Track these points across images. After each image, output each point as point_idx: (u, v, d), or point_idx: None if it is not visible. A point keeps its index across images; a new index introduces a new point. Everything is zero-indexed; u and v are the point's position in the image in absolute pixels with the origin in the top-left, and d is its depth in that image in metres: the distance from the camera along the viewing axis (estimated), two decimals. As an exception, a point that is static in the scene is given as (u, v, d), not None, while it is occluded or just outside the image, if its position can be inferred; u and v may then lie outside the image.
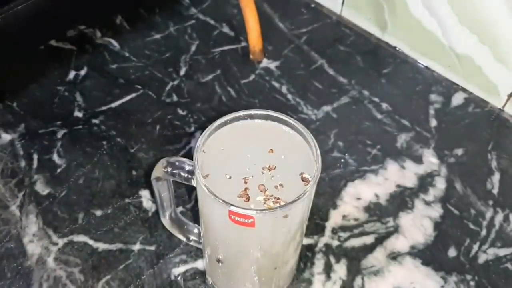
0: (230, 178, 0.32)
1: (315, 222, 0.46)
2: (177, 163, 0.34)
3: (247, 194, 0.31)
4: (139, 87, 0.56)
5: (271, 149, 0.33)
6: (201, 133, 0.33)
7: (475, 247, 0.44)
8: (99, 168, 0.49)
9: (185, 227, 0.41)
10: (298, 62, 0.59)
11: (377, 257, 0.44)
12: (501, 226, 0.46)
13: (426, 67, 0.58)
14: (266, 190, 0.31)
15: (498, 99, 0.54)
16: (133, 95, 0.55)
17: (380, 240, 0.45)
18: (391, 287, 0.42)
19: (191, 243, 0.42)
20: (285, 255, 0.36)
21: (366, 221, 0.46)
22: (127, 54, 0.59)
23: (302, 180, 0.32)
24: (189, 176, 0.33)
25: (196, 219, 0.45)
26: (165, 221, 0.40)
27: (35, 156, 0.49)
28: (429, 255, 0.44)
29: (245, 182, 0.32)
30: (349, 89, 0.56)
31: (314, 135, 0.33)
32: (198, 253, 0.43)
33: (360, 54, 0.60)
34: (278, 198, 0.31)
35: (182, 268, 0.43)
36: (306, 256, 0.44)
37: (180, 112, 0.54)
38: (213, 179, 0.32)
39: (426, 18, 0.55)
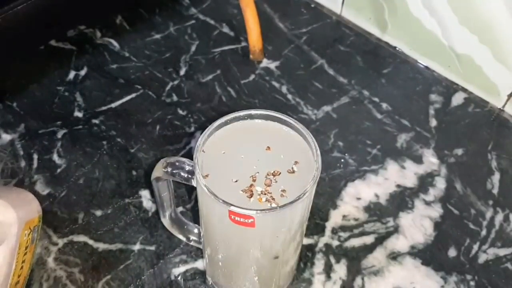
0: (229, 178, 0.32)
1: (315, 222, 0.46)
2: (177, 163, 0.34)
3: (251, 191, 0.31)
4: (139, 87, 0.56)
5: (272, 150, 0.33)
6: (201, 133, 0.33)
7: (475, 247, 0.44)
8: (99, 168, 0.49)
9: (185, 227, 0.41)
10: (298, 62, 0.59)
11: (377, 257, 0.44)
12: (501, 226, 0.46)
13: (426, 67, 0.58)
14: (269, 185, 0.32)
15: (498, 99, 0.54)
16: (133, 95, 0.55)
17: (380, 240, 0.45)
18: (391, 287, 0.42)
19: (191, 243, 0.42)
20: (285, 255, 0.36)
21: (366, 221, 0.46)
22: (127, 54, 0.59)
23: (290, 171, 0.32)
24: (189, 176, 0.33)
25: (196, 219, 0.45)
26: (165, 221, 0.40)
27: (35, 156, 0.49)
28: (429, 255, 0.44)
29: (253, 180, 0.32)
30: (349, 89, 0.56)
31: (314, 135, 0.33)
32: (198, 253, 0.43)
33: (360, 54, 0.60)
34: (273, 199, 0.31)
35: (182, 268, 0.43)
36: (306, 256, 0.44)
37: (180, 112, 0.54)
38: (213, 179, 0.32)
39: (426, 18, 0.55)
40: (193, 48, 0.60)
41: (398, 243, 0.44)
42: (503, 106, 0.54)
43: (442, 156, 0.50)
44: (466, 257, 0.44)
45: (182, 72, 0.57)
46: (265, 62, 0.59)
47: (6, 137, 0.51)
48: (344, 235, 0.45)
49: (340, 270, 0.43)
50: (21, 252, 0.39)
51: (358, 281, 0.42)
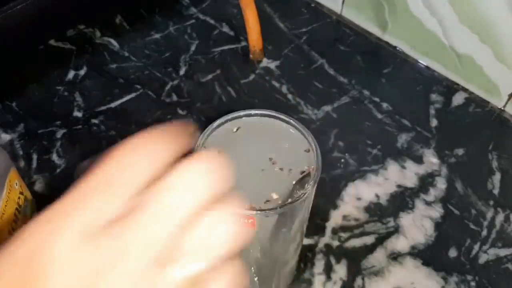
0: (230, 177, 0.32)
1: (316, 223, 0.45)
2: (176, 163, 0.34)
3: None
4: (139, 87, 0.56)
5: (271, 150, 0.33)
6: (201, 133, 0.33)
7: (476, 247, 0.44)
8: (98, 168, 0.49)
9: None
10: (298, 62, 0.59)
11: (377, 258, 0.43)
12: (501, 226, 0.46)
13: (427, 67, 0.58)
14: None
15: (498, 99, 0.54)
16: (133, 95, 0.55)
17: (381, 240, 0.44)
18: (391, 287, 0.42)
19: (191, 244, 0.41)
20: (285, 256, 0.36)
21: (366, 221, 0.46)
22: (126, 54, 0.59)
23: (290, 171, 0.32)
24: (189, 176, 0.33)
25: (196, 219, 0.45)
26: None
27: (35, 156, 0.49)
28: (430, 255, 0.44)
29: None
30: (349, 89, 0.56)
31: (314, 135, 0.33)
32: (198, 254, 0.43)
33: (360, 54, 0.60)
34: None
35: (182, 269, 0.43)
36: (306, 256, 0.43)
37: (180, 112, 0.53)
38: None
39: (426, 17, 0.55)
40: (193, 47, 0.60)
41: (399, 243, 0.44)
42: (504, 106, 0.54)
43: (442, 156, 0.50)
44: (466, 258, 0.44)
45: (182, 72, 0.57)
46: (265, 62, 0.59)
47: (6, 137, 0.51)
48: (344, 235, 0.45)
49: (341, 270, 0.43)
50: (12, 198, 0.39)
51: (358, 281, 0.42)
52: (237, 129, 0.34)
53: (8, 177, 0.39)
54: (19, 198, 0.40)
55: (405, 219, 0.46)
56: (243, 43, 0.60)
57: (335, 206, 0.47)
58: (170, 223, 0.17)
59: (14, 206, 0.40)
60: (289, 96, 0.55)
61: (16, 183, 0.41)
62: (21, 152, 0.49)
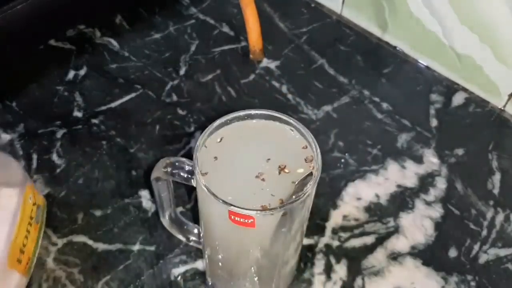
0: (229, 178, 0.32)
1: (316, 223, 0.45)
2: (177, 163, 0.34)
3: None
4: (139, 87, 0.56)
5: (271, 150, 0.33)
6: (201, 133, 0.33)
7: (476, 247, 0.44)
8: (98, 168, 0.49)
9: (185, 227, 0.41)
10: (298, 62, 0.59)
11: (377, 258, 0.43)
12: (501, 226, 0.46)
13: (427, 67, 0.58)
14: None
15: (498, 99, 0.54)
16: (133, 95, 0.55)
17: (381, 240, 0.44)
18: (391, 287, 0.42)
19: (191, 243, 0.42)
20: (285, 255, 0.36)
21: (366, 221, 0.46)
22: (126, 54, 0.59)
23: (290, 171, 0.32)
24: (189, 176, 0.33)
25: (196, 219, 0.45)
26: (165, 221, 0.40)
27: (35, 156, 0.49)
28: (430, 255, 0.44)
29: (256, 176, 0.32)
30: (349, 89, 0.56)
31: (314, 135, 0.33)
32: (198, 253, 0.43)
33: (360, 54, 0.60)
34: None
35: (182, 269, 0.43)
36: (306, 256, 0.43)
37: (180, 112, 0.54)
38: (212, 179, 0.32)
39: (426, 17, 0.55)
40: (193, 47, 0.60)
41: (399, 243, 0.44)
42: (504, 106, 0.54)
43: (442, 156, 0.50)
44: (466, 258, 0.44)
45: (182, 72, 0.57)
46: (265, 62, 0.59)
47: (6, 137, 0.51)
48: (344, 235, 0.45)
49: (341, 270, 0.43)
50: (25, 216, 0.39)
51: (358, 281, 0.42)
52: (236, 130, 0.34)
53: (22, 196, 0.39)
54: (31, 210, 0.40)
55: (405, 219, 0.46)
56: (243, 43, 0.60)
57: (335, 206, 0.47)
58: None
59: (27, 221, 0.39)
60: (289, 96, 0.55)
61: (30, 198, 0.40)
62: (21, 152, 0.49)
